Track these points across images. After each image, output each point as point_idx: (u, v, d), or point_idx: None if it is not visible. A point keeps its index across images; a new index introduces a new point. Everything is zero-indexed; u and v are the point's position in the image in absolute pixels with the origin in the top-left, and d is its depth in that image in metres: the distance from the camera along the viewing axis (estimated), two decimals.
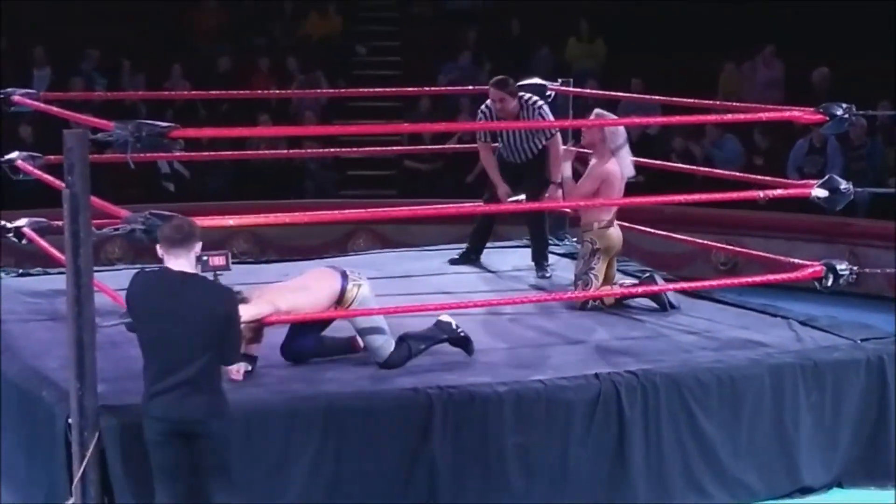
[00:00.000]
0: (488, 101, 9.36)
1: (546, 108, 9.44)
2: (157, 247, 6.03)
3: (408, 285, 9.19)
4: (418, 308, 7.80)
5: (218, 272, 6.50)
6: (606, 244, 8.65)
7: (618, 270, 9.13)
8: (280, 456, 6.63)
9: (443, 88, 15.58)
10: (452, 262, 9.92)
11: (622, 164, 8.56)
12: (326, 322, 7.43)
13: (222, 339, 5.93)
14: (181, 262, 5.96)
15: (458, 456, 6.87)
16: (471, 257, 9.90)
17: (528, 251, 9.81)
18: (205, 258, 6.43)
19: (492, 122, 9.33)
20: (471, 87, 14.18)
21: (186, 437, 5.92)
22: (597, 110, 8.77)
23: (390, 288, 8.84)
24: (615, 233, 8.71)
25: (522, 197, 9.04)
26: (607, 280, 8.73)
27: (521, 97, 9.36)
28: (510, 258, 10.10)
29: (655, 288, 8.62)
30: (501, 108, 9.26)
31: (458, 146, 12.26)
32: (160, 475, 6.00)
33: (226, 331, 5.94)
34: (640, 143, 15.23)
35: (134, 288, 6.08)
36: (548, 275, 9.58)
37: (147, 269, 6.19)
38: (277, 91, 16.05)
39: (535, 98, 9.42)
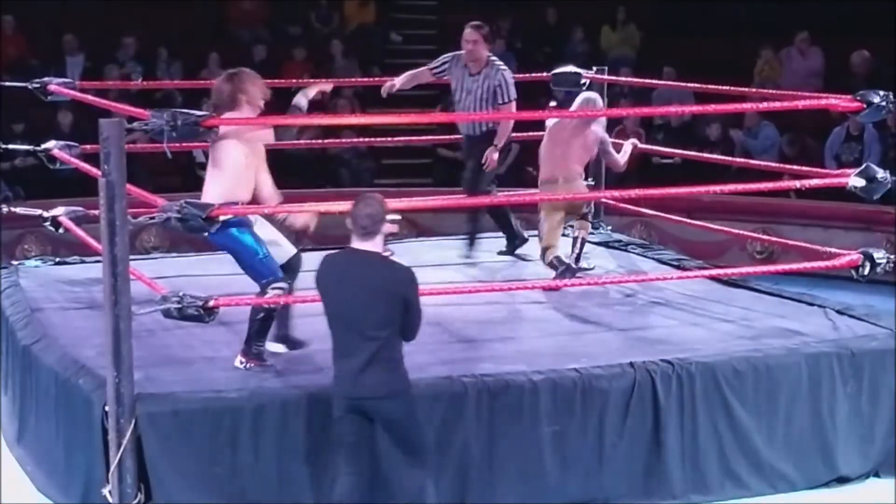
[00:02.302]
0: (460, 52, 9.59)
1: (509, 74, 9.60)
2: (350, 227, 6.14)
3: (442, 274, 9.19)
4: (452, 291, 7.80)
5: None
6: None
7: (653, 258, 9.12)
8: (317, 446, 6.64)
9: None
10: (501, 253, 9.95)
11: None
12: None
13: (403, 317, 6.07)
14: (367, 243, 6.10)
15: (493, 444, 6.88)
16: (515, 243, 9.96)
17: (563, 239, 9.78)
18: None
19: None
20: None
21: (366, 414, 6.10)
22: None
23: (424, 276, 8.84)
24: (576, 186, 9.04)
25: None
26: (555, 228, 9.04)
27: (490, 56, 9.61)
28: None
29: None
30: (473, 51, 9.52)
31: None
32: (342, 449, 6.24)
33: (406, 309, 6.08)
34: (677, 129, 15.20)
35: (322, 268, 6.23)
36: (515, 247, 9.83)
37: (335, 250, 6.36)
38: (313, 80, 16.02)
39: (501, 61, 9.69)
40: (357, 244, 6.10)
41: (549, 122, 9.19)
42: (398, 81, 9.78)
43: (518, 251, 9.92)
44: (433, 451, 6.66)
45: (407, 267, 6.21)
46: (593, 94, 9.38)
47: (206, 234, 6.91)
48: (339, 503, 6.24)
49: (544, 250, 9.02)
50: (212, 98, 7.18)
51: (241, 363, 7.09)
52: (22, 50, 16.11)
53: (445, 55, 9.79)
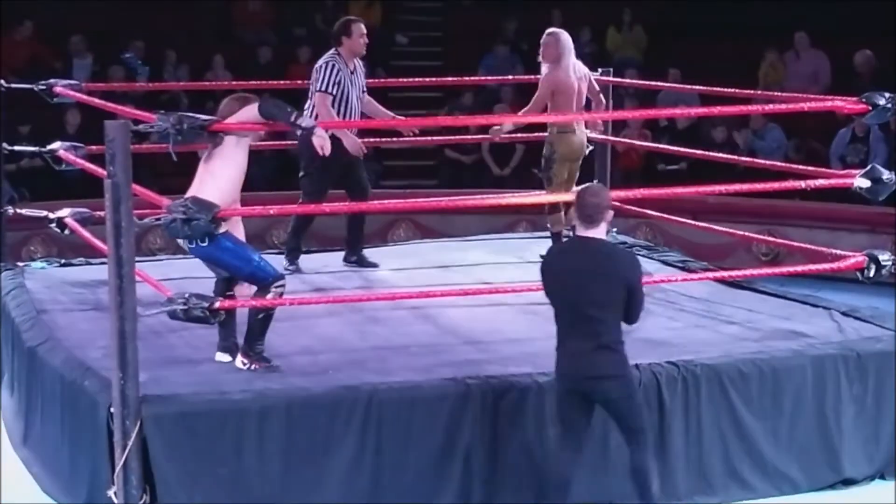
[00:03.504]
0: (334, 51, 9.38)
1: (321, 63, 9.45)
2: (574, 213, 6.47)
3: (447, 275, 9.20)
4: (456, 293, 7.81)
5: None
6: (566, 149, 9.21)
7: (658, 260, 9.12)
8: (322, 445, 6.65)
9: (484, 78, 15.57)
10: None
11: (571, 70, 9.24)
12: None
13: (628, 301, 6.35)
14: (592, 230, 6.39)
15: (498, 446, 6.88)
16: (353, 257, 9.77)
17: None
18: None
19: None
20: (510, 77, 14.20)
21: (587, 394, 6.38)
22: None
23: (430, 277, 8.86)
24: (576, 139, 9.26)
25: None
26: (570, 180, 9.28)
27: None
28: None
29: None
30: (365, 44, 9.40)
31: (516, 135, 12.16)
32: (560, 427, 6.55)
33: (630, 293, 6.36)
34: (683, 132, 15.20)
35: (550, 257, 6.71)
36: (353, 259, 9.63)
37: (563, 241, 6.73)
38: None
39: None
40: (582, 232, 6.41)
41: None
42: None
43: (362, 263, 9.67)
44: (436, 453, 6.70)
45: (631, 252, 6.65)
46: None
47: (197, 245, 6.90)
48: (559, 481, 6.49)
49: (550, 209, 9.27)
50: (220, 114, 7.14)
51: (244, 364, 7.10)
52: (39, 54, 16.13)
53: (330, 63, 9.32)
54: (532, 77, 10.09)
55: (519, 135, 10.12)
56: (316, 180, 9.31)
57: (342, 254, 9.74)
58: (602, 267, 6.35)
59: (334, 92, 9.25)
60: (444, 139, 14.47)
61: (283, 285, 7.06)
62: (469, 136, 14.46)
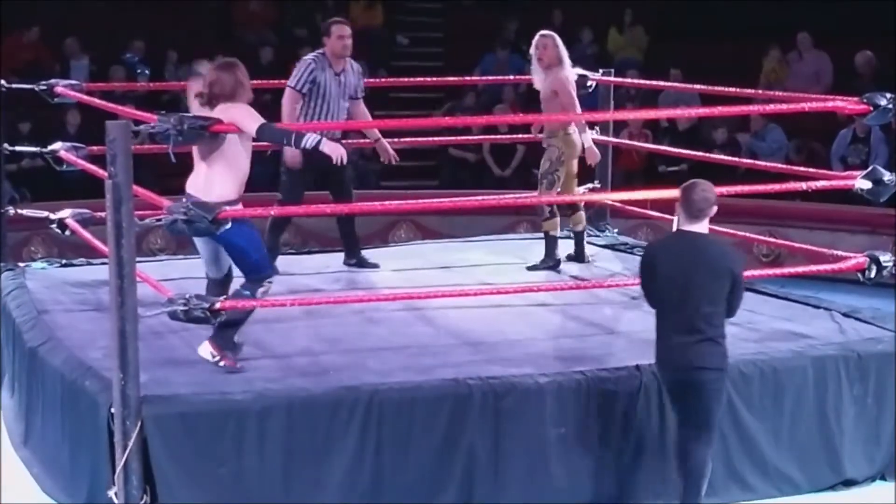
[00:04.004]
0: (318, 51, 9.31)
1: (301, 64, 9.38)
2: (680, 207, 6.66)
3: (448, 276, 9.20)
4: (456, 294, 7.82)
5: None
6: (571, 150, 9.43)
7: None
8: (322, 446, 6.64)
9: (485, 79, 15.57)
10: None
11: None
12: None
13: (730, 294, 6.59)
14: (697, 225, 6.61)
15: (499, 446, 6.87)
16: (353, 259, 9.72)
17: (569, 242, 9.79)
18: None
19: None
20: (511, 77, 14.19)
21: (685, 384, 6.60)
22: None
23: (431, 278, 8.86)
24: (576, 139, 9.44)
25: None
26: (569, 178, 9.54)
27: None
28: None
29: None
30: (350, 45, 9.27)
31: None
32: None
33: (735, 287, 6.61)
34: (684, 133, 15.20)
35: (653, 251, 6.88)
36: (353, 261, 9.58)
37: (664, 235, 6.89)
38: None
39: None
40: (687, 226, 6.62)
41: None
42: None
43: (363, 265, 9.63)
44: (437, 453, 6.71)
45: (733, 247, 6.96)
46: None
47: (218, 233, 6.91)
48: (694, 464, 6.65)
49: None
50: (210, 88, 7.08)
51: (213, 356, 7.03)
52: (41, 56, 16.13)
53: (311, 63, 9.30)
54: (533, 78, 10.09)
55: (520, 135, 10.11)
56: (292, 182, 9.25)
57: (342, 255, 9.73)
58: (711, 261, 6.57)
59: (305, 90, 9.15)
60: (446, 140, 14.48)
61: (271, 283, 7.09)
62: (471, 137, 14.48)
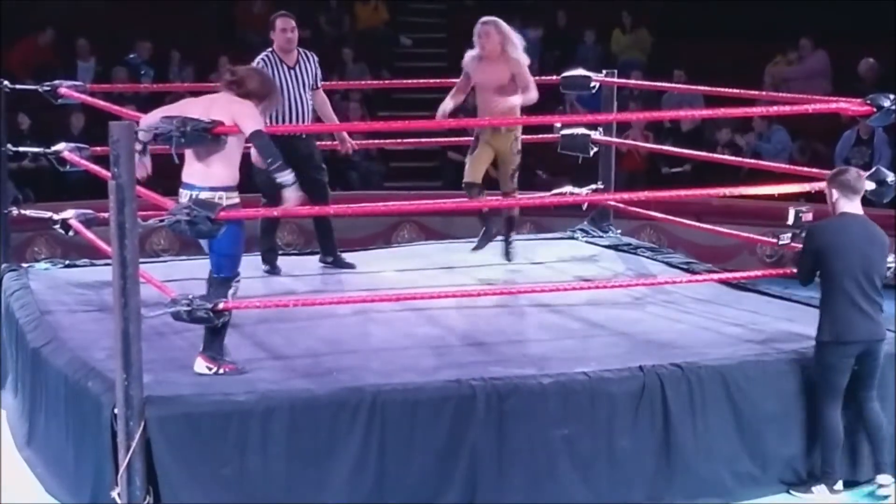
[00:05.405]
0: (268, 50, 9.31)
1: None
2: (834, 191, 7.20)
3: (451, 277, 9.20)
4: (459, 294, 7.81)
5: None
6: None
7: (662, 262, 9.13)
8: (325, 447, 6.65)
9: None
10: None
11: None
12: None
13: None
14: (856, 205, 7.20)
15: (502, 447, 6.87)
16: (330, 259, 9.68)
17: (572, 243, 9.79)
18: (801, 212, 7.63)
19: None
20: None
21: (866, 355, 7.10)
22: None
23: (434, 279, 8.85)
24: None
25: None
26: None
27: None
28: (554, 250, 10.10)
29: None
30: (294, 38, 9.35)
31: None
32: (833, 394, 7.16)
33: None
34: (687, 134, 15.20)
35: (824, 232, 7.23)
36: (329, 259, 9.52)
37: (828, 219, 7.29)
38: (323, 83, 16.04)
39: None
40: (849, 208, 7.18)
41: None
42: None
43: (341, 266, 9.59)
44: (440, 455, 6.71)
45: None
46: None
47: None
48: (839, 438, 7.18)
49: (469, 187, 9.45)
50: (242, 85, 7.09)
51: (210, 369, 6.99)
52: (50, 58, 16.16)
53: (261, 61, 9.32)
54: (536, 79, 10.08)
55: (523, 136, 10.08)
56: (270, 180, 9.22)
57: (347, 255, 9.72)
58: (877, 238, 7.19)
59: None
60: (449, 140, 14.47)
61: (238, 283, 7.07)
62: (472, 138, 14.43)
